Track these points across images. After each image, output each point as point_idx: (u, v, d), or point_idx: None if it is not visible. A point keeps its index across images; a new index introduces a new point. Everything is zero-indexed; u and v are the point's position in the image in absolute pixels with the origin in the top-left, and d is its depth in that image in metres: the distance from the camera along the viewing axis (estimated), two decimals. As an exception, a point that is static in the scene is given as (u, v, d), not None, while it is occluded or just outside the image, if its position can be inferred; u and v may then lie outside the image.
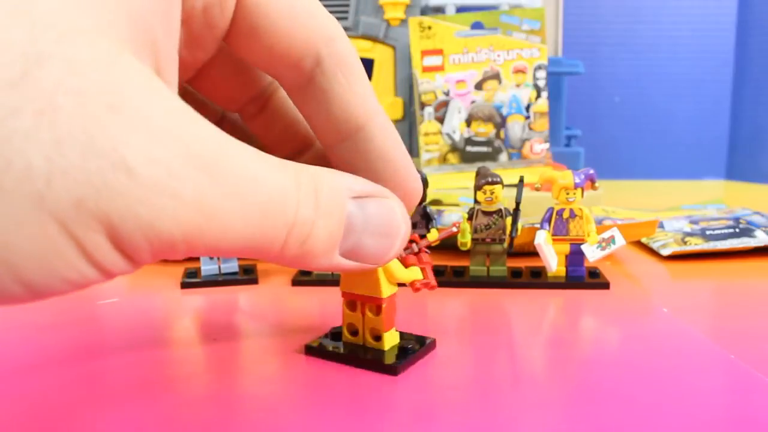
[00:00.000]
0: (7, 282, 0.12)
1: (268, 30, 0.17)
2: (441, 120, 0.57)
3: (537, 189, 0.32)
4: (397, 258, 0.27)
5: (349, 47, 0.18)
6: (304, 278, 0.32)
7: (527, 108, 0.56)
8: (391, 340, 0.22)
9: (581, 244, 0.31)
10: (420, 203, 0.32)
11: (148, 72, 0.13)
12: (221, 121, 0.23)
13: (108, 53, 0.13)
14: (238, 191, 0.14)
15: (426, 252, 0.23)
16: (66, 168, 0.12)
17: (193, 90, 0.21)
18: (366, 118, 0.18)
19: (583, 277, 0.31)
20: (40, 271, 0.12)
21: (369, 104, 0.18)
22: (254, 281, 0.32)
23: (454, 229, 0.32)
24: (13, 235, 0.12)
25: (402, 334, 0.23)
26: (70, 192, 0.12)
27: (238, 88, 0.21)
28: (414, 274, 0.22)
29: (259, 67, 0.19)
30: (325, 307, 0.29)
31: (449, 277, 0.32)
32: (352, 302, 0.23)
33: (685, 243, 0.37)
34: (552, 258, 0.30)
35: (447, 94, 0.57)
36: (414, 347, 0.22)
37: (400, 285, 0.22)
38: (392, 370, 0.20)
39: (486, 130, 0.57)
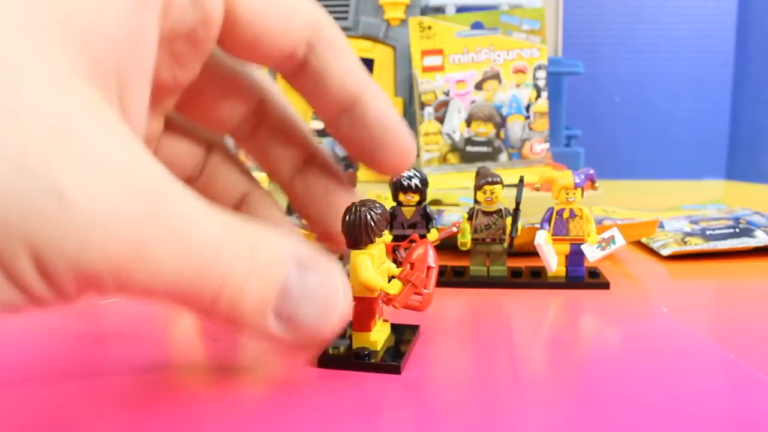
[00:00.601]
0: None
1: (261, 32, 0.18)
2: (441, 120, 0.57)
3: (537, 189, 0.32)
4: (401, 259, 0.27)
5: (335, 28, 0.19)
6: (304, 278, 0.32)
7: (527, 108, 0.56)
8: (376, 336, 0.21)
9: (581, 244, 0.31)
10: (420, 203, 0.32)
11: (98, 100, 0.13)
12: (211, 149, 0.22)
13: (54, 78, 0.12)
14: (176, 234, 0.14)
15: (432, 266, 0.22)
16: None
17: (179, 116, 0.21)
18: (360, 89, 0.19)
19: (583, 277, 0.31)
20: None
21: (361, 76, 0.19)
22: (254, 281, 0.32)
23: (454, 229, 0.32)
24: None
25: (393, 326, 0.23)
26: None
27: (226, 108, 0.20)
28: (386, 284, 0.21)
29: (255, 63, 0.19)
30: (325, 307, 0.29)
31: (449, 277, 0.32)
32: None
33: (685, 243, 0.37)
34: (552, 258, 0.30)
35: (447, 94, 0.57)
36: (403, 344, 0.22)
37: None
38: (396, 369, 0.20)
39: (486, 130, 0.57)
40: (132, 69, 0.15)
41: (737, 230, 0.38)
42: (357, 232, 0.20)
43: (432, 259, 0.22)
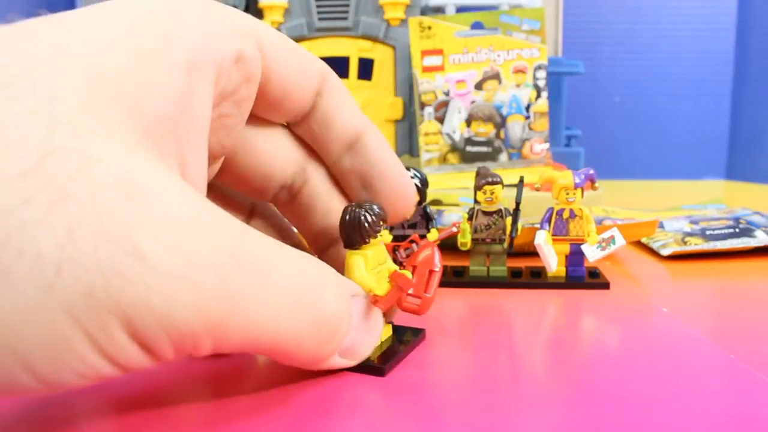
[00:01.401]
0: (17, 372, 0.11)
1: (289, 86, 0.19)
2: (441, 120, 0.57)
3: (537, 189, 0.32)
4: (402, 259, 0.27)
5: (337, 77, 0.21)
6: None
7: (527, 108, 0.56)
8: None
9: (581, 244, 0.31)
10: (420, 203, 0.32)
11: (163, 167, 0.13)
12: (252, 214, 0.23)
13: (121, 150, 0.13)
14: (265, 277, 0.14)
15: (434, 270, 0.22)
16: (76, 256, 0.11)
17: (219, 184, 0.21)
18: (362, 128, 0.21)
19: (583, 277, 0.31)
20: (50, 363, 0.12)
21: (362, 117, 0.21)
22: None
23: (454, 229, 0.32)
24: (23, 325, 0.11)
25: (396, 328, 0.23)
26: (80, 281, 0.11)
27: (263, 176, 0.21)
28: (374, 285, 0.20)
29: (277, 119, 0.20)
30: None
31: (449, 277, 0.32)
32: None
33: (685, 243, 0.37)
34: (552, 258, 0.30)
35: (447, 94, 0.57)
36: (402, 345, 0.22)
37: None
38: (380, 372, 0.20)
39: (486, 130, 0.57)
40: (189, 133, 0.15)
41: (737, 230, 0.38)
42: (351, 232, 0.20)
43: (437, 262, 0.22)
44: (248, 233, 0.14)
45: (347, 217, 0.20)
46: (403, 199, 0.22)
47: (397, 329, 0.23)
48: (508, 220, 0.31)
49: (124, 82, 0.14)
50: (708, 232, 0.38)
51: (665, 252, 0.37)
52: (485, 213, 0.32)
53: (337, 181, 0.22)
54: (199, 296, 0.12)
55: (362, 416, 0.17)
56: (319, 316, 0.16)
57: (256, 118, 0.20)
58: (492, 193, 0.31)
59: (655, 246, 0.38)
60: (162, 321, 0.12)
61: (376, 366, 0.20)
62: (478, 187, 0.31)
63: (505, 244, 0.32)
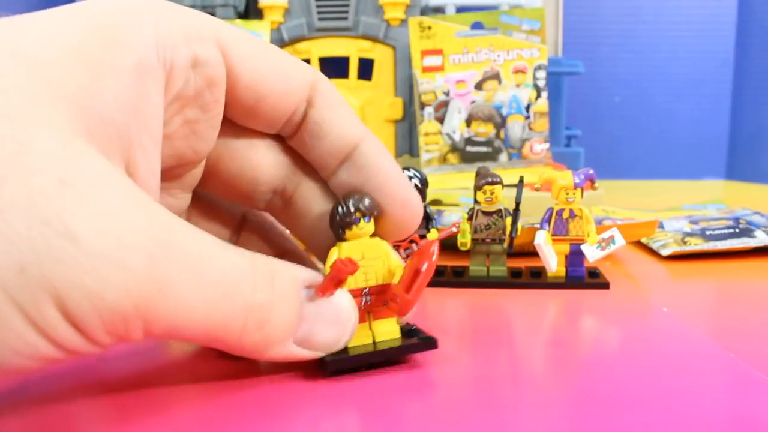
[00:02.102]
0: None
1: (263, 92, 0.18)
2: (441, 120, 0.57)
3: (537, 189, 0.32)
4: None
5: (329, 83, 0.20)
6: (304, 278, 0.32)
7: (527, 108, 0.56)
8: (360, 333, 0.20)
9: (581, 244, 0.31)
10: (420, 203, 0.32)
11: (101, 158, 0.14)
12: (242, 224, 0.23)
13: (60, 138, 0.13)
14: (194, 267, 0.14)
15: (420, 270, 0.19)
16: (9, 235, 0.12)
17: (207, 194, 0.21)
18: (358, 137, 0.20)
19: (583, 277, 0.31)
20: None
21: (357, 125, 0.20)
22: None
23: (454, 229, 0.32)
24: None
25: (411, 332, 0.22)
26: (12, 257, 0.12)
27: (250, 182, 0.21)
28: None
29: (259, 127, 0.20)
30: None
31: (449, 277, 0.32)
32: None
33: (685, 243, 0.37)
34: (552, 258, 0.30)
35: (447, 94, 0.57)
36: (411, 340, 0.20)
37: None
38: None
39: (486, 130, 0.57)
40: (137, 133, 0.16)
41: (737, 230, 0.38)
42: (330, 224, 0.20)
43: (426, 262, 0.19)
44: (178, 224, 0.15)
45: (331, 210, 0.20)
46: (406, 212, 0.20)
47: (411, 333, 0.21)
48: (508, 220, 0.31)
49: (70, 83, 0.14)
50: (708, 232, 0.38)
51: (665, 252, 0.37)
52: (485, 213, 0.32)
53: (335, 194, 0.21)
54: (129, 279, 0.13)
55: (362, 415, 0.17)
56: (246, 305, 0.16)
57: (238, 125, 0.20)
58: (492, 193, 0.31)
59: (655, 246, 0.38)
60: (94, 301, 0.12)
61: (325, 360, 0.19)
62: (478, 187, 0.31)
63: (505, 244, 0.32)
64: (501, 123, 0.56)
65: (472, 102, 0.57)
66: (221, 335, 0.16)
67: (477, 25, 0.57)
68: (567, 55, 0.69)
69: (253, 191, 0.21)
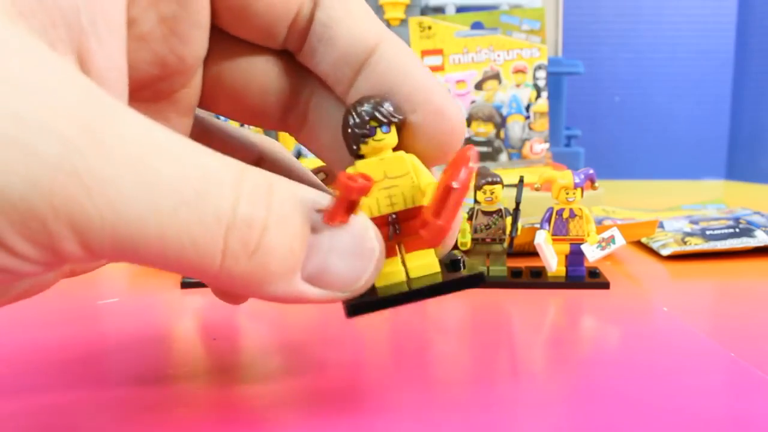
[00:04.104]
0: None
1: None
2: (441, 120, 0.57)
3: (537, 189, 0.32)
4: None
5: None
6: (304, 278, 0.32)
7: (527, 108, 0.56)
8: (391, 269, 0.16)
9: (581, 244, 0.31)
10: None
11: (26, 35, 0.11)
12: (258, 164, 0.19)
13: None
14: (135, 163, 0.11)
15: (452, 187, 0.14)
16: None
17: (217, 128, 0.19)
18: (375, 40, 0.16)
19: (583, 277, 0.31)
20: None
21: (374, 25, 0.16)
22: (254, 281, 0.32)
23: (454, 229, 0.32)
24: None
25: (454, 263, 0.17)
26: None
27: (260, 94, 0.18)
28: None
29: (260, 36, 0.17)
30: (325, 307, 0.29)
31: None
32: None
33: (685, 243, 0.37)
34: (552, 258, 0.30)
35: (447, 94, 0.57)
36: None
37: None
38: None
39: (486, 130, 0.57)
40: (90, 19, 0.13)
41: (737, 230, 0.38)
42: (343, 138, 0.16)
43: (460, 177, 0.14)
44: (122, 111, 0.12)
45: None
46: (442, 123, 0.16)
47: (455, 265, 0.17)
48: (508, 220, 0.31)
49: None
50: (708, 232, 0.38)
51: (665, 252, 0.37)
52: (485, 213, 0.32)
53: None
54: (35, 167, 0.10)
55: (362, 414, 0.17)
56: (222, 219, 0.12)
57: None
58: (492, 193, 0.31)
59: (655, 246, 0.38)
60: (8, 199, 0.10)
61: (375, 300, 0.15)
62: (478, 187, 0.31)
63: (505, 244, 0.32)
64: (501, 123, 0.56)
65: (472, 102, 0.57)
66: (193, 259, 0.12)
67: (477, 25, 0.57)
68: (567, 55, 0.69)
69: (262, 107, 0.18)
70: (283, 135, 0.62)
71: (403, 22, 0.59)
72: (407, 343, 0.24)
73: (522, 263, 0.34)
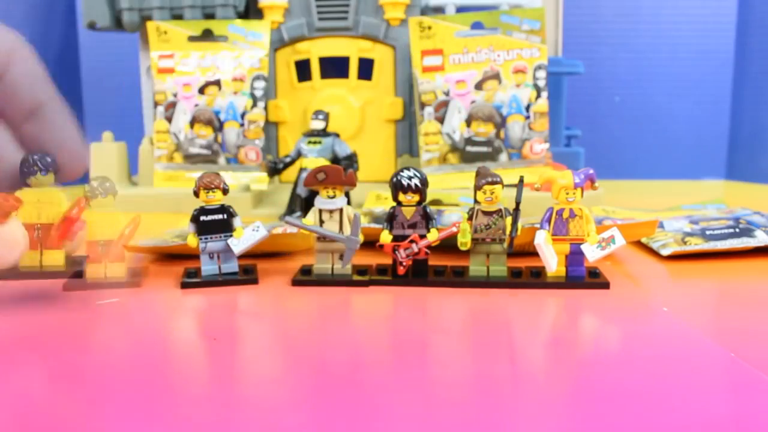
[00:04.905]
0: None
1: None
2: (441, 120, 0.57)
3: (537, 189, 0.32)
4: (402, 260, 0.28)
5: (29, 51, 0.27)
6: (304, 278, 0.32)
7: (527, 108, 0.56)
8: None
9: (581, 244, 0.31)
10: (420, 203, 0.32)
11: None
12: None
13: None
14: None
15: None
16: None
17: None
18: (45, 95, 0.28)
19: (583, 277, 0.31)
20: None
21: (46, 86, 0.27)
22: (254, 281, 0.32)
23: (454, 229, 0.32)
24: None
25: None
26: None
27: None
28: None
29: None
30: (325, 307, 0.29)
31: (449, 277, 0.32)
32: None
33: (685, 243, 0.37)
34: (552, 258, 0.30)
35: (447, 94, 0.57)
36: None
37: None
38: None
39: (486, 130, 0.57)
40: None
41: (737, 230, 0.38)
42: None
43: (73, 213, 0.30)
44: None
45: None
46: (75, 167, 0.27)
47: None
48: (508, 220, 0.31)
49: None
50: (708, 232, 0.38)
51: (665, 252, 0.37)
52: (485, 213, 0.32)
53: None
54: None
55: (362, 414, 0.17)
56: None
57: None
58: (492, 193, 0.31)
59: (655, 246, 0.38)
60: None
61: None
62: (478, 187, 0.31)
63: (505, 244, 0.32)
64: (501, 123, 0.56)
65: (472, 102, 0.57)
66: None
67: (477, 25, 0.57)
68: (567, 55, 0.69)
69: None
70: (295, 136, 0.61)
71: (403, 22, 0.59)
72: (407, 343, 0.24)
73: (522, 263, 0.34)
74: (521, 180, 0.31)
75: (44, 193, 0.29)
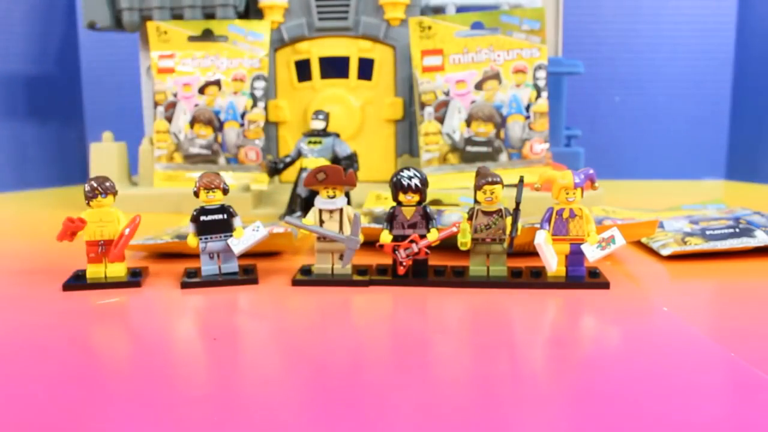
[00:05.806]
0: None
1: None
2: (441, 120, 0.57)
3: (537, 189, 0.32)
4: (402, 260, 0.28)
5: None
6: (304, 278, 0.32)
7: (527, 108, 0.56)
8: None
9: (581, 244, 0.31)
10: (420, 203, 0.32)
11: None
12: None
13: None
14: None
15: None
16: None
17: None
18: None
19: (583, 277, 0.31)
20: None
21: None
22: (254, 281, 0.32)
23: (454, 229, 0.32)
24: None
25: None
26: None
27: None
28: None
29: None
30: (325, 307, 0.29)
31: (449, 277, 0.32)
32: None
33: (685, 243, 0.37)
34: (552, 258, 0.30)
35: (447, 94, 0.57)
36: None
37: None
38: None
39: (486, 130, 0.57)
40: None
41: (737, 230, 0.38)
42: None
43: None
44: None
45: None
46: None
47: None
48: (508, 220, 0.31)
49: None
50: (708, 232, 0.38)
51: (665, 252, 0.37)
52: (485, 213, 0.32)
53: None
54: None
55: (363, 415, 0.17)
56: None
57: None
58: (492, 193, 0.31)
59: (655, 246, 0.38)
60: None
61: None
62: (478, 187, 0.31)
63: (505, 244, 0.32)
64: (501, 123, 0.56)
65: (472, 102, 0.57)
66: None
67: (477, 25, 0.57)
68: (567, 55, 0.69)
69: None
70: (295, 136, 0.61)
71: (403, 22, 0.59)
72: (407, 343, 0.24)
73: (522, 263, 0.34)
74: (521, 180, 0.31)
75: (105, 212, 0.32)
